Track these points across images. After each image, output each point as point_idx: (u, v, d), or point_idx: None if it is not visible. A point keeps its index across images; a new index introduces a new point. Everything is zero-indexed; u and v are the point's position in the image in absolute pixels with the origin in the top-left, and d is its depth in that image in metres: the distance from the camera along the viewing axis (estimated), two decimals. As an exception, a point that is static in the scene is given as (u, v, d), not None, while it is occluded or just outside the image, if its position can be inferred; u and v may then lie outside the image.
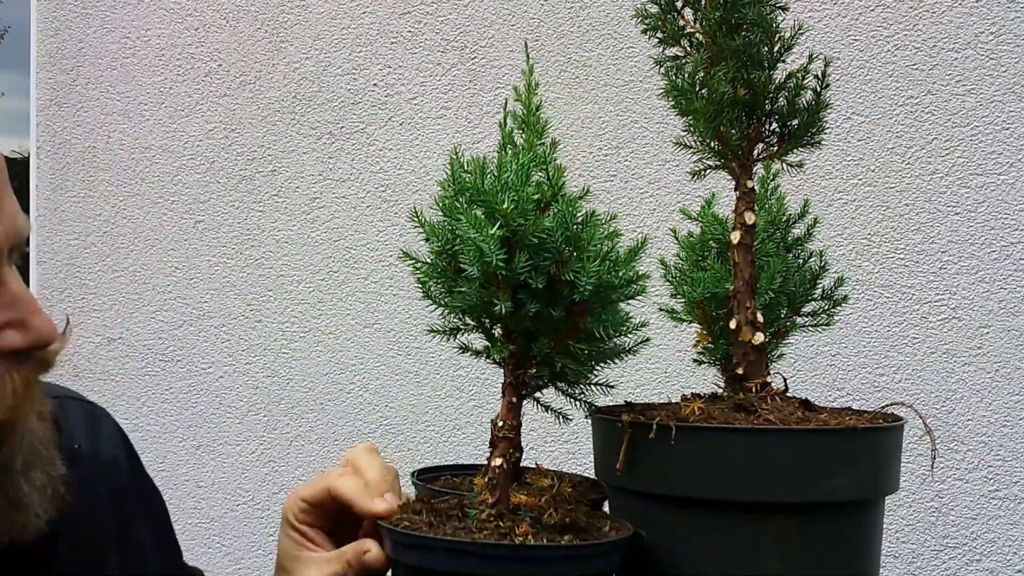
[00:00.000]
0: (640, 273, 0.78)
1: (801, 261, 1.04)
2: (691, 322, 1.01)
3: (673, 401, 0.92)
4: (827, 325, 1.04)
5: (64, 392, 0.98)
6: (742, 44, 0.81)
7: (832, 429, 0.78)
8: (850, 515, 0.80)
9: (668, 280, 1.02)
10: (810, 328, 1.05)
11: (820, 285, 1.03)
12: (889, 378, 2.24)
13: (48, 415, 0.77)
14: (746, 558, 0.77)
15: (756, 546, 0.77)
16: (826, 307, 1.04)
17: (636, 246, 0.78)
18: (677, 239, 1.04)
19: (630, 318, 0.84)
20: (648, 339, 0.87)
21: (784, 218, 1.04)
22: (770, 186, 1.06)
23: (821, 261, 1.04)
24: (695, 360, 0.99)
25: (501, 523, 0.76)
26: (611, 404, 0.93)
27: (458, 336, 0.83)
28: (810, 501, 0.76)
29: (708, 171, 0.90)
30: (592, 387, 0.84)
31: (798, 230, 1.05)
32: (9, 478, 0.72)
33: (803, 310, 1.03)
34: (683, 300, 1.00)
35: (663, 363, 2.28)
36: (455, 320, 0.81)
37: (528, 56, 0.82)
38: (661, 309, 1.03)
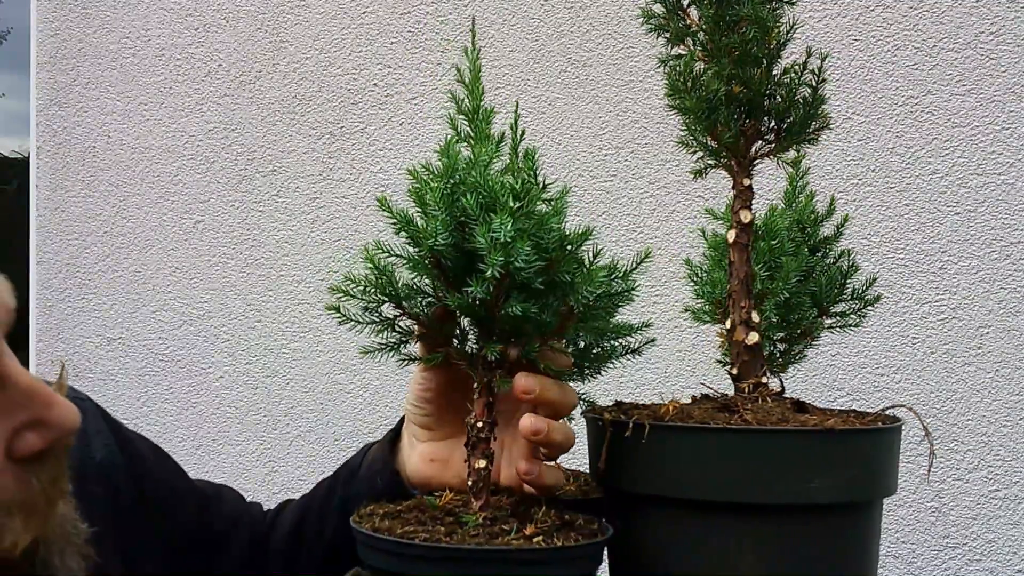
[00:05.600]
0: (636, 284, 0.78)
1: (830, 260, 1.03)
2: (713, 322, 1.00)
3: (684, 402, 0.92)
4: (856, 326, 1.03)
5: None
6: (737, 41, 0.81)
7: (810, 430, 0.77)
8: (837, 518, 0.78)
9: (692, 280, 1.02)
10: (838, 329, 1.04)
11: (850, 285, 1.02)
12: (889, 378, 2.24)
13: (68, 484, 0.69)
14: (725, 559, 0.76)
15: (735, 547, 0.76)
16: (856, 307, 1.03)
17: (640, 257, 0.77)
18: (705, 238, 1.03)
19: (624, 325, 0.83)
20: (653, 339, 0.87)
21: (812, 216, 1.03)
22: (798, 184, 1.06)
23: (850, 260, 1.03)
24: (718, 361, 0.98)
25: (504, 526, 0.74)
26: (609, 404, 0.92)
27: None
28: (790, 503, 0.75)
29: (708, 170, 0.90)
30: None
31: (827, 229, 1.05)
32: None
33: (832, 310, 1.02)
34: (704, 300, 0.99)
35: (663, 363, 2.28)
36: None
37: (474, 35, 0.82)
38: (686, 309, 1.03)
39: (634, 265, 0.77)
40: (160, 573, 0.99)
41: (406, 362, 0.84)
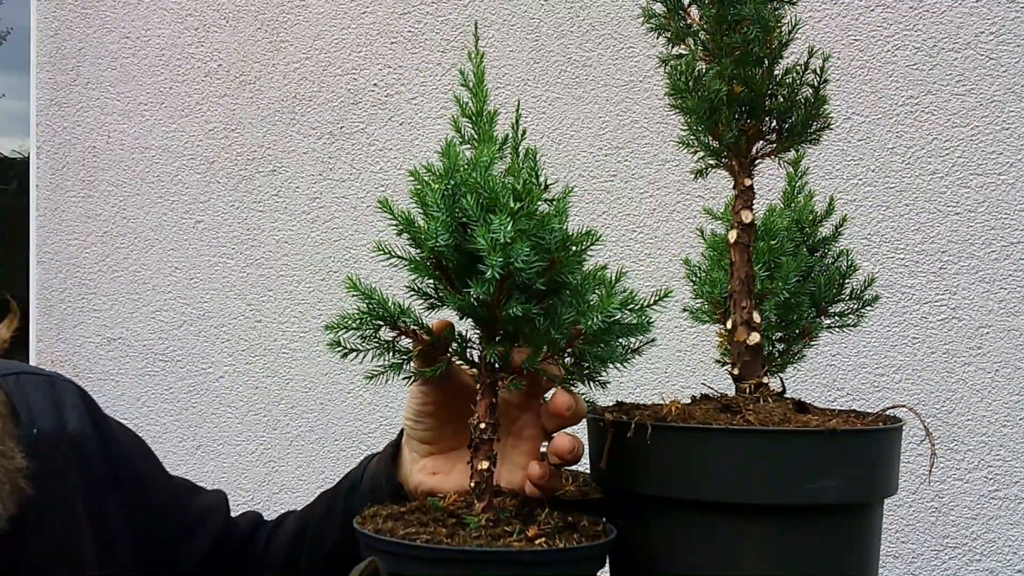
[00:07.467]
0: (650, 319, 0.78)
1: (829, 261, 1.03)
2: (712, 322, 1.00)
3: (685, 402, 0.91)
4: (854, 326, 1.03)
5: (19, 368, 0.96)
6: (739, 40, 0.81)
7: (811, 431, 0.76)
8: (838, 518, 0.78)
9: (691, 280, 1.01)
10: (837, 329, 1.04)
11: (848, 285, 1.02)
12: (889, 378, 2.24)
13: (2, 406, 0.74)
14: (726, 559, 0.76)
15: (735, 548, 0.76)
16: (855, 307, 1.02)
17: (659, 295, 0.77)
18: (704, 238, 1.03)
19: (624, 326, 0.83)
20: (653, 339, 0.87)
21: (811, 216, 1.03)
22: (797, 184, 1.06)
23: (848, 261, 1.03)
24: (717, 361, 0.98)
25: (507, 527, 0.74)
26: (610, 404, 0.92)
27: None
28: (791, 503, 0.75)
29: (709, 170, 0.89)
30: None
31: (826, 229, 1.05)
32: None
33: (831, 310, 1.02)
34: (703, 300, 0.99)
35: (663, 363, 2.28)
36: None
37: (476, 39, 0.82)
38: (685, 309, 1.02)
39: (651, 301, 0.77)
40: (130, 555, 0.99)
41: (412, 379, 0.84)
